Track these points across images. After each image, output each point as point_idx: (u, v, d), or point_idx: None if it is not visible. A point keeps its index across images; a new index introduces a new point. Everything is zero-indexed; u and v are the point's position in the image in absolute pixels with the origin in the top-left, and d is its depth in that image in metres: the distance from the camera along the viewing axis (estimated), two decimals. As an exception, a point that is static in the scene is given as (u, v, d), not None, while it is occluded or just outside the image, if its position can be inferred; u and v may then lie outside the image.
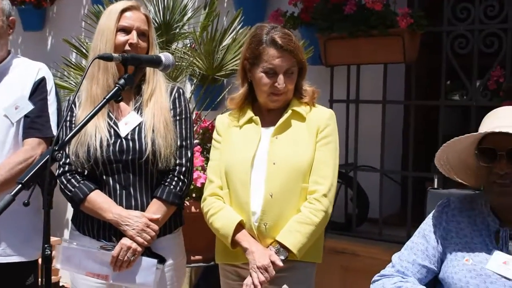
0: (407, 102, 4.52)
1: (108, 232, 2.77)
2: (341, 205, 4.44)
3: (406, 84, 4.70)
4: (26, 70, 3.09)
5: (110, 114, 2.80)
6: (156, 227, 2.72)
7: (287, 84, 2.67)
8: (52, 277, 2.18)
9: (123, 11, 2.78)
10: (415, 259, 2.34)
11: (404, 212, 4.40)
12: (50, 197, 2.14)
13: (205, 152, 4.01)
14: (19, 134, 3.02)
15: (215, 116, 3.11)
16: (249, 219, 2.65)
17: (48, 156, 2.11)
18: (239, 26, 4.34)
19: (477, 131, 2.23)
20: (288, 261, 2.62)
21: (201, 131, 4.22)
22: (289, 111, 2.72)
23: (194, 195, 3.87)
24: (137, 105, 2.82)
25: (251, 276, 2.58)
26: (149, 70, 2.82)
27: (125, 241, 2.70)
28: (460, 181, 2.41)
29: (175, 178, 2.79)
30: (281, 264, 2.58)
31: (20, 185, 2.07)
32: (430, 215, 2.41)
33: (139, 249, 2.70)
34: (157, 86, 2.83)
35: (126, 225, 2.69)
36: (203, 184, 3.56)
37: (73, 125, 2.81)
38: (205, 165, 3.75)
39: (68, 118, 2.83)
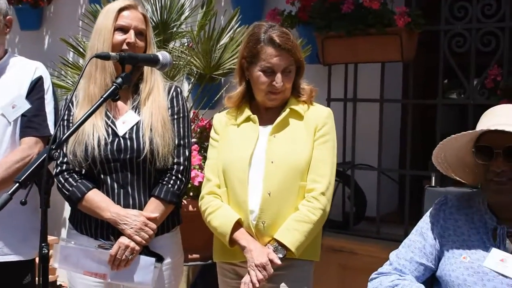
0: (404, 100, 4.52)
1: (106, 231, 2.76)
2: (339, 203, 4.44)
3: (404, 83, 4.70)
4: (23, 69, 3.09)
5: (108, 113, 2.80)
6: (154, 226, 2.72)
7: (285, 82, 2.67)
8: (49, 276, 2.18)
9: (121, 10, 2.78)
10: (412, 257, 2.35)
11: (401, 210, 4.40)
12: (47, 196, 2.14)
13: (202, 151, 4.01)
14: (16, 133, 3.02)
15: (212, 115, 3.11)
16: (247, 218, 2.65)
17: (45, 155, 2.11)
18: (237, 25, 4.34)
19: (474, 129, 2.23)
20: (286, 259, 2.62)
21: (198, 130, 4.22)
22: (287, 110, 2.72)
23: (191, 193, 3.87)
24: (134, 104, 2.82)
25: (249, 274, 2.58)
26: (146, 69, 2.81)
27: (123, 240, 2.69)
28: (458, 179, 2.42)
29: (173, 177, 2.79)
30: (279, 262, 2.58)
31: (17, 184, 2.07)
32: (428, 213, 2.41)
33: (137, 248, 2.70)
34: (155, 85, 2.82)
35: (124, 224, 2.69)
36: (200, 183, 3.56)
37: (71, 124, 2.81)
38: (203, 164, 3.75)
39: (65, 117, 2.82)
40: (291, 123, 2.72)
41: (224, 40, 4.31)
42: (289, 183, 2.64)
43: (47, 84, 3.10)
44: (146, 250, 2.75)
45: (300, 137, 2.69)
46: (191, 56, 4.32)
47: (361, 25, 4.05)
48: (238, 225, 2.66)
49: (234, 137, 2.76)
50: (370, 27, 4.04)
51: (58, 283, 5.79)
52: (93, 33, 2.82)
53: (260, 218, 2.64)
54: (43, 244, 2.09)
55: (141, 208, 2.75)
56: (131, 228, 2.68)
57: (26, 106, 3.01)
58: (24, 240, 3.04)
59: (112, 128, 2.77)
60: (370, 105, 4.38)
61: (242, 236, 2.65)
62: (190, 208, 3.84)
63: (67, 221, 2.96)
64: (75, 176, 2.77)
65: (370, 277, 2.42)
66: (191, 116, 3.70)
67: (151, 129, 2.74)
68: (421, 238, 2.37)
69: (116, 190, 2.75)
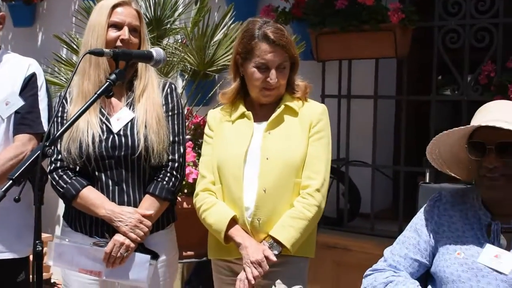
0: (398, 97, 4.52)
1: (100, 228, 2.76)
2: (333, 200, 4.44)
3: (398, 79, 4.70)
4: (16, 66, 3.08)
5: (102, 110, 2.79)
6: (149, 223, 2.72)
7: (279, 79, 2.66)
8: (44, 274, 2.17)
9: (115, 6, 2.77)
10: (407, 253, 2.35)
11: (396, 206, 4.41)
12: (41, 193, 2.13)
13: (196, 148, 4.00)
14: (10, 130, 3.01)
15: (206, 111, 3.11)
16: (242, 215, 2.65)
17: (39, 151, 2.10)
18: (231, 22, 4.33)
19: (468, 125, 2.23)
20: (282, 256, 2.62)
21: (192, 126, 4.21)
22: (282, 106, 2.71)
23: (186, 190, 3.87)
24: (129, 100, 2.81)
25: (244, 271, 2.58)
26: (141, 65, 2.81)
27: (118, 237, 2.69)
28: (452, 175, 2.42)
29: (168, 174, 2.78)
30: (274, 259, 2.58)
31: (10, 181, 2.06)
32: (422, 209, 2.42)
33: (132, 245, 2.69)
34: (149, 81, 2.82)
35: (119, 221, 2.68)
36: (194, 179, 3.56)
37: (65, 121, 2.80)
38: (197, 161, 3.74)
39: (59, 114, 2.82)
40: (286, 119, 2.71)
41: (218, 36, 4.30)
42: (284, 179, 2.64)
43: (41, 81, 3.09)
44: (141, 247, 2.74)
45: (295, 134, 2.69)
46: (185, 52, 4.31)
47: (355, 21, 4.04)
48: (233, 222, 2.65)
49: (228, 134, 2.75)
50: (364, 23, 4.04)
51: (52, 280, 5.78)
52: (87, 29, 2.81)
53: (255, 215, 2.63)
54: (37, 242, 2.08)
55: (136, 205, 2.75)
56: (126, 225, 2.68)
57: (20, 103, 3.00)
58: (18, 238, 3.03)
59: (106, 125, 2.76)
60: (364, 102, 4.38)
61: (237, 233, 2.65)
62: (185, 205, 3.84)
63: (61, 218, 2.95)
64: (70, 173, 2.76)
65: (365, 273, 2.42)
66: (185, 113, 3.69)
67: (145, 126, 2.73)
68: (415, 234, 2.37)
69: (110, 187, 2.75)
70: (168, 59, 4.07)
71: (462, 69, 3.94)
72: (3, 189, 2.04)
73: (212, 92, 4.62)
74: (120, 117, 2.78)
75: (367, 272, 2.42)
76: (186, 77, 4.64)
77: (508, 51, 3.78)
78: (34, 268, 2.11)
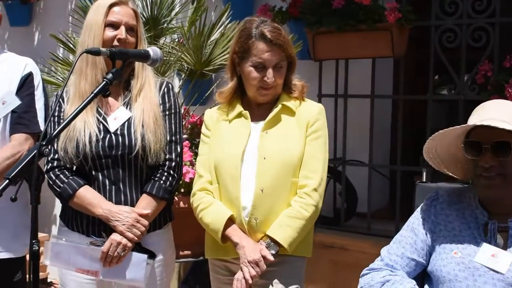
0: (395, 96, 4.53)
1: (97, 227, 2.75)
2: (330, 199, 4.45)
3: (395, 79, 4.71)
4: (13, 65, 3.07)
5: (99, 109, 2.79)
6: (146, 222, 2.72)
7: (276, 78, 2.66)
8: (40, 273, 2.17)
9: (111, 6, 2.76)
10: (403, 253, 2.35)
11: (392, 206, 4.41)
12: (38, 193, 2.13)
13: (193, 147, 4.00)
14: (6, 130, 3.00)
15: (203, 111, 3.10)
16: (239, 214, 2.65)
17: (35, 151, 2.10)
18: (227, 21, 4.33)
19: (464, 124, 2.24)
20: (279, 255, 2.62)
21: (189, 126, 4.21)
22: (279, 106, 2.71)
23: (182, 190, 3.87)
24: (126, 100, 2.80)
25: (242, 270, 2.58)
26: (138, 65, 2.80)
27: (115, 236, 2.68)
28: (450, 174, 2.42)
29: (165, 173, 2.78)
30: (272, 258, 2.58)
31: (7, 181, 2.06)
32: (419, 209, 2.42)
33: (129, 244, 2.69)
34: (146, 81, 2.81)
35: (116, 220, 2.68)
36: (191, 179, 3.56)
37: (61, 120, 2.79)
38: (194, 160, 3.74)
39: (56, 113, 2.81)
40: (283, 119, 2.71)
41: (215, 36, 4.30)
42: (281, 179, 2.64)
43: (37, 80, 3.08)
44: (138, 246, 2.74)
45: (292, 133, 2.69)
46: (181, 52, 4.30)
47: (351, 20, 4.05)
48: (230, 221, 2.65)
49: (225, 133, 2.75)
50: (360, 22, 4.04)
51: (48, 280, 5.78)
52: (84, 29, 2.81)
53: (252, 215, 2.63)
54: (33, 241, 2.08)
55: (133, 204, 2.75)
56: (123, 224, 2.68)
57: (16, 102, 2.99)
58: (14, 237, 3.03)
59: (103, 125, 2.75)
60: (361, 101, 4.39)
61: (234, 232, 2.64)
62: (181, 204, 3.84)
63: (58, 218, 2.95)
64: (66, 172, 2.76)
65: (362, 273, 2.42)
66: (181, 112, 3.69)
67: (142, 125, 2.73)
68: (412, 233, 2.37)
69: (107, 187, 2.74)
70: (165, 58, 4.07)
71: (459, 69, 3.94)
72: (-1, 189, 2.03)
73: (209, 92, 4.62)
74: (117, 117, 2.77)
75: (364, 271, 2.42)
76: (183, 76, 4.63)
77: (505, 51, 3.79)
78: (31, 267, 2.11)
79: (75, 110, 2.24)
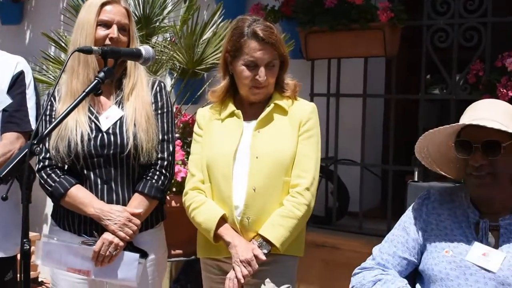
0: (387, 96, 4.54)
1: (89, 227, 2.74)
2: (322, 198, 4.45)
3: (387, 78, 4.72)
4: (4, 64, 3.06)
5: (91, 108, 2.78)
6: (138, 221, 2.71)
7: (268, 77, 2.66)
8: (31, 273, 2.16)
9: (103, 4, 2.75)
10: (395, 252, 2.36)
11: (384, 205, 4.42)
12: (29, 192, 2.12)
13: (185, 146, 4.00)
14: (-3, 129, 2.99)
15: (195, 110, 3.10)
16: (231, 213, 2.64)
17: (26, 150, 2.09)
18: (220, 20, 4.33)
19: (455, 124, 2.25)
20: (271, 254, 2.62)
21: (181, 125, 4.21)
22: (271, 105, 2.71)
23: (174, 189, 3.86)
24: (118, 99, 2.80)
25: (234, 270, 2.58)
26: (130, 64, 2.80)
27: (107, 235, 2.68)
28: (442, 173, 2.43)
29: (157, 172, 2.77)
30: (264, 258, 2.58)
31: (-2, 180, 2.05)
32: (410, 208, 2.42)
33: (121, 243, 2.68)
34: (138, 80, 2.81)
35: (108, 219, 2.67)
36: (183, 178, 3.56)
37: (53, 119, 2.78)
38: (186, 159, 3.74)
39: (47, 112, 2.80)
40: (276, 118, 2.71)
41: (207, 34, 4.29)
42: (274, 178, 2.64)
43: (29, 79, 3.07)
44: (130, 246, 2.73)
45: (284, 132, 2.69)
46: (173, 51, 4.30)
47: (344, 20, 4.05)
48: (222, 220, 2.65)
49: (218, 132, 2.75)
50: (353, 22, 4.05)
51: (39, 279, 5.76)
52: (75, 27, 2.79)
53: (244, 214, 2.63)
54: (24, 240, 2.07)
55: (124, 203, 2.74)
56: (115, 223, 2.67)
57: (7, 101, 2.98)
58: (5, 237, 3.02)
59: (95, 123, 2.75)
60: (353, 100, 4.39)
61: (226, 231, 2.64)
62: (173, 203, 3.83)
63: (49, 217, 2.94)
64: (58, 171, 2.75)
65: (353, 272, 2.43)
66: (174, 111, 3.69)
67: (134, 124, 2.72)
68: (404, 232, 2.38)
69: (99, 186, 2.74)
70: (157, 57, 4.07)
71: (450, 68, 3.95)
72: (-10, 188, 2.02)
73: (201, 91, 4.61)
74: (109, 116, 2.77)
75: (356, 270, 2.42)
76: (175, 75, 4.63)
77: (497, 50, 3.80)
78: (22, 267, 2.10)
79: (66, 109, 2.24)
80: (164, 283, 3.74)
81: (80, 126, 2.70)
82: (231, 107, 2.75)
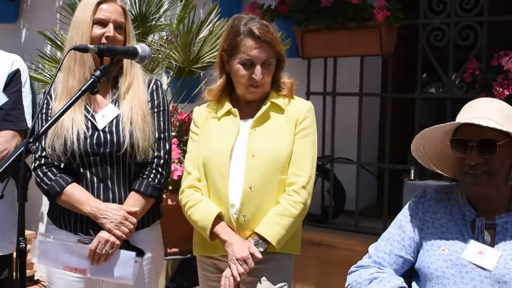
0: (383, 94, 4.54)
1: (85, 225, 2.74)
2: (318, 197, 4.46)
3: (383, 77, 4.72)
4: (0, 62, 3.05)
5: (87, 107, 2.77)
6: (134, 220, 2.71)
7: (264, 75, 2.66)
8: (27, 271, 2.16)
9: (99, 3, 2.74)
10: (391, 250, 2.36)
11: (380, 203, 4.42)
12: (25, 190, 2.11)
13: (181, 145, 4.00)
14: (-7, 127, 2.98)
15: (191, 108, 3.10)
16: (228, 211, 2.64)
17: (22, 148, 2.09)
18: (216, 18, 4.33)
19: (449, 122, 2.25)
20: (267, 253, 2.62)
21: (177, 123, 4.21)
22: (268, 103, 2.71)
23: (170, 187, 3.86)
24: (114, 97, 2.79)
25: (230, 268, 2.58)
26: (126, 62, 2.79)
27: (103, 234, 2.67)
28: (439, 172, 2.43)
29: (153, 171, 2.77)
30: (260, 256, 2.58)
31: (-6, 178, 2.05)
32: (406, 206, 2.43)
33: (117, 242, 2.68)
34: (134, 78, 2.80)
35: (104, 218, 2.67)
36: (179, 176, 3.56)
37: (49, 117, 2.78)
38: (182, 158, 3.74)
39: (43, 111, 2.80)
40: (272, 116, 2.71)
41: (203, 33, 4.30)
42: (270, 176, 2.64)
43: (25, 77, 3.06)
44: (126, 244, 2.73)
45: (281, 131, 2.69)
46: (170, 49, 4.30)
47: (340, 18, 4.06)
48: (218, 219, 2.65)
49: (214, 131, 2.75)
50: (349, 21, 4.05)
51: (35, 277, 5.76)
52: (71, 26, 2.79)
53: (241, 212, 2.63)
54: (20, 238, 2.07)
55: (121, 202, 2.74)
56: (111, 222, 2.67)
57: (3, 99, 2.98)
58: (1, 235, 3.01)
59: (91, 122, 2.74)
60: (349, 99, 4.39)
61: (223, 230, 2.64)
62: (169, 202, 3.84)
63: (45, 215, 2.94)
64: (54, 170, 2.75)
65: (349, 270, 2.43)
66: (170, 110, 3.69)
67: (131, 123, 2.72)
68: (400, 231, 2.38)
69: (95, 184, 2.73)
70: (153, 56, 4.07)
71: (446, 67, 3.96)
72: (-14, 186, 2.02)
73: (197, 89, 4.61)
74: (105, 114, 2.76)
75: (352, 268, 2.43)
76: (171, 74, 4.63)
77: (493, 49, 3.81)
78: (18, 265, 2.10)
79: (62, 107, 2.23)
80: (160, 281, 3.74)
81: (76, 125, 2.70)
82: (227, 106, 2.75)
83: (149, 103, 2.81)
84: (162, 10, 4.51)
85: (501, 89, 3.61)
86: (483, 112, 2.20)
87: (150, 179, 2.76)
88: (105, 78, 2.41)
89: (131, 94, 2.77)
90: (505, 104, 2.29)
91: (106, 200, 2.73)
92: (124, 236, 2.69)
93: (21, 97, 3.02)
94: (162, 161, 2.79)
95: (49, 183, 2.72)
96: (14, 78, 3.02)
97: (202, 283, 2.86)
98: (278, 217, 2.61)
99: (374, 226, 4.17)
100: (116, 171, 2.74)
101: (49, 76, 4.44)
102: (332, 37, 4.15)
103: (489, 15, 3.81)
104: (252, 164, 2.64)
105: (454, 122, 2.22)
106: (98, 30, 2.72)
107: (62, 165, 2.76)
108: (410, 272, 2.39)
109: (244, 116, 2.73)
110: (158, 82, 2.89)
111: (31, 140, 2.10)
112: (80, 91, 2.29)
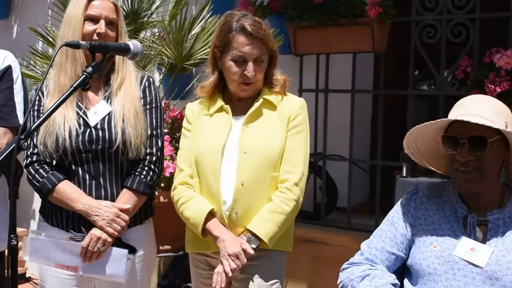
0: (375, 91, 4.55)
1: (77, 222, 2.73)
2: (310, 194, 4.46)
3: (375, 74, 4.73)
4: (-9, 58, 3.04)
5: (79, 103, 2.76)
6: (126, 217, 2.70)
7: (256, 72, 2.65)
8: (18, 269, 2.15)
9: (91, -1, 2.74)
10: (383, 247, 2.36)
11: (372, 200, 4.43)
12: (16, 187, 2.11)
13: (174, 142, 3.99)
14: (-16, 124, 2.97)
15: (183, 105, 3.10)
16: (220, 208, 2.64)
17: (14, 145, 2.08)
18: (208, 15, 4.33)
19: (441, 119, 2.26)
20: (259, 250, 2.61)
21: (170, 120, 4.20)
22: (260, 100, 2.71)
23: (162, 184, 3.86)
24: (106, 94, 2.78)
25: (222, 263, 2.58)
26: (118, 59, 2.78)
27: (95, 231, 2.67)
28: (432, 168, 2.44)
29: (146, 168, 2.77)
30: (252, 252, 2.57)
31: (-15, 175, 2.04)
32: (399, 203, 2.43)
33: (109, 239, 2.67)
34: (126, 75, 2.79)
35: (96, 215, 2.66)
36: (171, 173, 3.55)
37: (41, 114, 2.77)
38: (174, 155, 3.73)
39: (35, 107, 2.79)
40: (264, 113, 2.71)
41: (196, 30, 4.29)
42: (262, 173, 2.64)
43: (16, 74, 3.05)
44: (118, 241, 2.72)
45: (273, 128, 2.68)
46: (162, 46, 4.29)
47: (333, 15, 4.06)
48: (211, 215, 2.65)
49: (206, 127, 2.74)
50: (341, 17, 4.05)
51: (27, 275, 5.74)
52: (63, 22, 2.78)
53: (233, 209, 2.63)
54: (11, 236, 2.06)
55: (113, 199, 2.73)
56: (103, 219, 2.66)
57: (-5, 96, 2.97)
58: (-8, 232, 3.00)
59: (83, 119, 2.73)
60: (342, 96, 4.40)
61: (215, 226, 2.64)
62: (162, 199, 3.83)
63: (36, 213, 2.93)
64: (46, 167, 2.74)
65: (342, 267, 2.43)
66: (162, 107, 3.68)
67: (123, 120, 2.71)
68: (392, 227, 2.38)
69: (87, 181, 2.72)
70: (145, 52, 4.05)
71: (439, 64, 3.96)
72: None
73: (189, 86, 4.60)
74: (97, 111, 2.75)
75: (344, 265, 2.43)
76: (163, 70, 4.62)
77: (485, 46, 3.81)
78: (9, 262, 2.09)
79: (54, 104, 2.22)
80: (153, 278, 3.74)
81: (68, 122, 2.69)
82: (219, 102, 2.75)
83: (142, 100, 2.80)
84: (154, 6, 4.50)
85: (493, 86, 3.62)
86: (474, 109, 2.21)
87: (142, 176, 2.75)
88: (97, 75, 2.40)
89: (123, 91, 2.76)
90: (497, 101, 2.29)
91: (98, 197, 2.72)
92: (116, 233, 2.68)
93: (12, 94, 3.01)
94: (154, 158, 2.78)
95: (41, 180, 2.71)
96: (5, 75, 3.01)
97: (194, 280, 2.86)
98: (270, 214, 2.61)
99: (366, 223, 4.17)
100: (108, 168, 2.73)
101: (40, 73, 4.42)
102: (324, 34, 4.15)
103: (481, 12, 3.81)
104: (244, 161, 2.63)
105: (445, 119, 2.22)
106: (89, 27, 2.71)
107: (54, 162, 2.75)
108: (402, 269, 2.40)
109: (237, 112, 2.73)
110: (151, 79, 2.88)
111: (22, 137, 2.09)
112: (72, 88, 2.27)
